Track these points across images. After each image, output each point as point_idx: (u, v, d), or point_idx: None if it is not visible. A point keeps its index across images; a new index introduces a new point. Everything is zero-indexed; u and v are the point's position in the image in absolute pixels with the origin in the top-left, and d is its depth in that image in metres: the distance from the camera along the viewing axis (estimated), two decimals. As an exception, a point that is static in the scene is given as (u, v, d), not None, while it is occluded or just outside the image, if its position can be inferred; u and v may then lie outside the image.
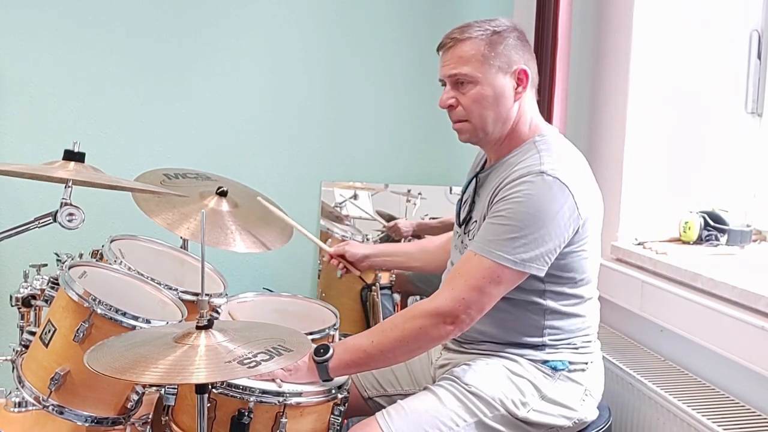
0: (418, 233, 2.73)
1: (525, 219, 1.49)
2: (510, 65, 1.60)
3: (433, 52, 1.69)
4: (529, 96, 1.65)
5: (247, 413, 1.48)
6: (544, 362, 1.62)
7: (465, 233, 1.70)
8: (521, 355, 1.63)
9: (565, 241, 1.53)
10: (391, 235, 2.74)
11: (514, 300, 1.59)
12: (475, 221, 1.65)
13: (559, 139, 1.66)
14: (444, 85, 1.65)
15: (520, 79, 1.61)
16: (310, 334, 1.85)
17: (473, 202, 1.71)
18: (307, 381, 1.56)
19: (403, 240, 2.74)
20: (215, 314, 1.85)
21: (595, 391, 1.68)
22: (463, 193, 1.77)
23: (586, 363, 1.65)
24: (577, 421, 1.63)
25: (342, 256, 1.97)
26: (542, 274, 1.52)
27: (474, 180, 1.72)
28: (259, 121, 2.73)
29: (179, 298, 1.81)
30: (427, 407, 1.58)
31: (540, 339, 1.62)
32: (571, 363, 1.63)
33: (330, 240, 2.76)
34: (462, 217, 1.73)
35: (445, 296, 1.52)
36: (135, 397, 1.67)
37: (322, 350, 1.56)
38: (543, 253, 1.50)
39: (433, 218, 2.77)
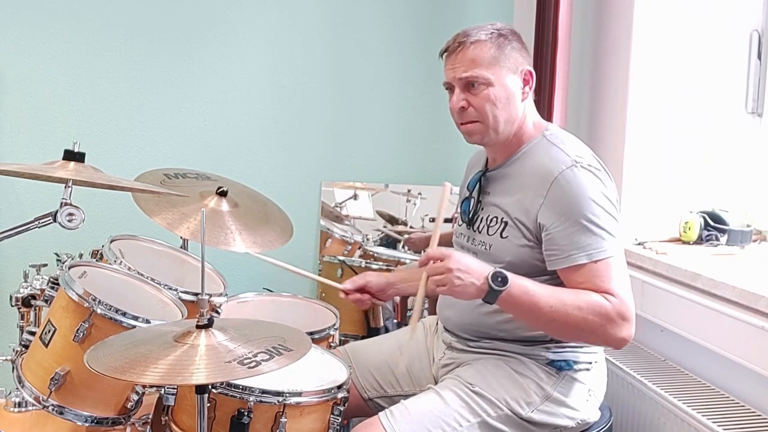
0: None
1: (592, 210, 1.52)
2: (517, 66, 1.63)
3: (434, 52, 1.69)
4: (530, 96, 1.67)
5: (246, 413, 1.48)
6: (549, 362, 1.62)
7: (475, 231, 1.70)
8: (526, 355, 1.63)
9: (617, 212, 1.57)
10: (397, 240, 2.74)
11: None
12: (495, 217, 1.65)
13: (567, 133, 1.70)
14: (448, 89, 1.66)
15: (526, 79, 1.64)
16: (310, 334, 1.85)
17: (479, 201, 1.71)
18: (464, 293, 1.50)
19: (410, 250, 2.74)
20: (215, 314, 1.85)
21: (598, 391, 1.68)
22: (470, 192, 1.76)
23: (591, 363, 1.65)
24: (580, 422, 1.63)
25: (363, 289, 1.87)
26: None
27: (480, 179, 1.73)
28: (260, 121, 2.73)
29: (179, 298, 1.81)
30: (430, 407, 1.58)
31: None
32: (575, 363, 1.63)
33: (330, 240, 2.76)
34: (469, 216, 1.73)
35: (619, 299, 1.49)
36: (135, 397, 1.67)
37: (500, 278, 1.48)
38: (618, 220, 1.56)
39: (434, 219, 2.76)
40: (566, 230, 1.52)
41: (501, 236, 1.63)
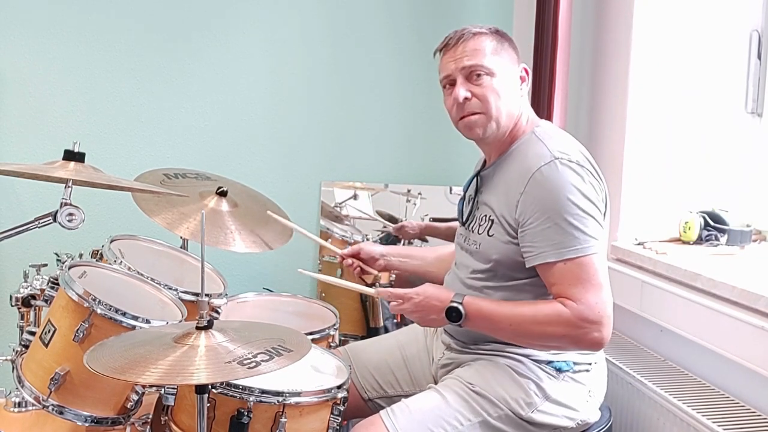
0: (424, 235, 2.73)
1: (566, 207, 1.50)
2: (514, 62, 1.64)
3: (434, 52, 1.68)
4: (526, 94, 1.69)
5: (246, 413, 1.48)
6: (549, 363, 1.62)
7: (470, 231, 1.70)
8: (526, 356, 1.63)
9: (602, 210, 1.56)
10: (397, 236, 2.74)
11: (523, 295, 1.60)
12: (485, 215, 1.65)
13: (557, 129, 1.70)
14: (447, 84, 1.65)
15: (522, 76, 1.66)
16: (310, 334, 1.85)
17: (476, 200, 1.71)
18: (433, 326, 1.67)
19: (407, 242, 2.73)
20: (215, 314, 1.85)
21: (598, 392, 1.68)
22: (465, 192, 1.77)
23: (590, 364, 1.65)
24: (580, 422, 1.63)
25: (356, 255, 1.94)
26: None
27: (475, 179, 1.73)
28: (260, 121, 2.73)
29: (179, 298, 1.82)
30: (431, 406, 1.58)
31: None
32: (575, 363, 1.63)
33: (330, 240, 2.76)
34: (465, 216, 1.74)
35: (580, 305, 1.48)
36: (135, 397, 1.67)
37: (454, 314, 1.55)
38: (599, 220, 1.54)
39: (434, 219, 2.77)
40: (539, 227, 1.52)
41: (488, 234, 1.63)
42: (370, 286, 2.03)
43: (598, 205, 1.54)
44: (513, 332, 1.56)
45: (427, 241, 2.73)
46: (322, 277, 1.91)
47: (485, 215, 1.66)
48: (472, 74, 1.60)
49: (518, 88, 1.65)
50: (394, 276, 2.62)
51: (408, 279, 2.61)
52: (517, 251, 1.58)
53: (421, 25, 2.79)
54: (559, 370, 1.62)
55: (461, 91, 1.60)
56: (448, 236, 2.68)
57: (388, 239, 2.76)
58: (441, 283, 1.83)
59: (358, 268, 1.96)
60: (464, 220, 1.74)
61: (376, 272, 1.98)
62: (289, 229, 2.19)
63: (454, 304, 1.56)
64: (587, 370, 1.64)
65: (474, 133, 1.64)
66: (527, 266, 1.56)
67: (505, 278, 1.62)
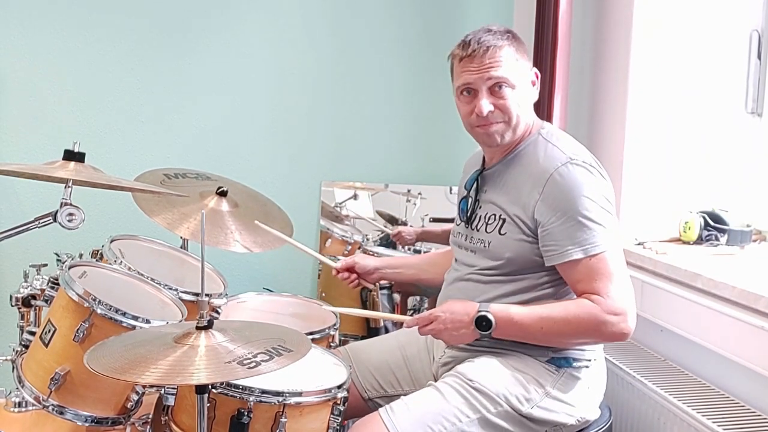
0: (420, 240, 2.74)
1: (585, 204, 1.53)
2: (528, 67, 1.66)
3: (435, 52, 1.69)
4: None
5: (246, 413, 1.48)
6: (549, 359, 1.63)
7: (474, 230, 1.71)
8: (525, 352, 1.63)
9: (613, 207, 1.59)
10: (394, 242, 2.74)
11: (526, 292, 1.62)
12: (493, 214, 1.66)
13: (561, 131, 1.72)
14: (465, 91, 1.64)
15: (533, 81, 1.68)
16: (310, 334, 1.85)
17: (477, 200, 1.72)
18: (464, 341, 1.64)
19: (405, 247, 2.74)
20: (215, 314, 1.85)
21: (598, 388, 1.69)
22: (468, 191, 1.77)
23: (590, 360, 1.66)
24: (579, 419, 1.64)
25: (351, 269, 1.96)
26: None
27: (477, 178, 1.73)
28: (260, 121, 2.73)
29: (179, 298, 1.82)
30: (430, 403, 1.58)
31: None
32: (575, 360, 1.63)
33: (330, 240, 2.76)
34: (467, 215, 1.74)
35: (608, 299, 1.51)
36: (135, 397, 1.67)
37: (484, 323, 1.57)
38: (614, 215, 1.57)
39: (434, 219, 2.77)
40: (562, 226, 1.54)
41: (499, 233, 1.64)
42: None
43: (612, 203, 1.58)
44: (545, 335, 1.57)
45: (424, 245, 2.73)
46: (348, 310, 1.91)
47: (494, 214, 1.66)
48: (495, 86, 1.60)
49: (532, 94, 1.67)
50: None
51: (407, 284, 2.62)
52: (530, 249, 1.60)
53: (422, 24, 2.78)
54: (559, 366, 1.62)
55: (486, 104, 1.60)
56: (444, 239, 2.68)
57: (387, 241, 2.76)
58: (439, 287, 1.83)
59: (355, 281, 1.98)
60: (467, 218, 1.74)
61: (372, 286, 2.00)
62: (289, 229, 2.19)
63: (483, 313, 1.57)
64: (587, 366, 1.65)
65: (493, 140, 1.65)
66: (548, 264, 1.58)
67: (514, 273, 1.63)
